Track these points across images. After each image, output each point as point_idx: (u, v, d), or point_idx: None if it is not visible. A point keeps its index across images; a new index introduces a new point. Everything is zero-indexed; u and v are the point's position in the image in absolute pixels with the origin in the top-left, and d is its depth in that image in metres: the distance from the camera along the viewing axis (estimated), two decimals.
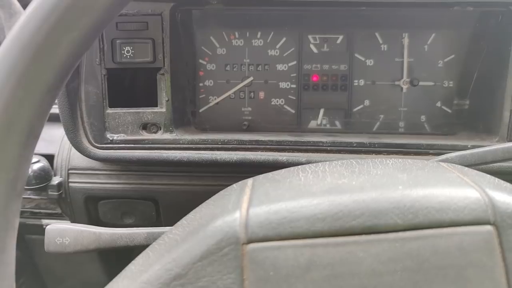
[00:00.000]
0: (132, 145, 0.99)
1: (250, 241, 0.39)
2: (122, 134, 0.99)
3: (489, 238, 0.39)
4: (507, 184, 0.46)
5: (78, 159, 1.09)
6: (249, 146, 0.98)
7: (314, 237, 0.39)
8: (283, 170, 0.54)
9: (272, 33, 1.06)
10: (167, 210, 1.10)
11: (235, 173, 0.92)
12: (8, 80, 0.36)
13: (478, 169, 0.53)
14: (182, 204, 0.89)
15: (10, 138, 0.36)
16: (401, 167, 0.51)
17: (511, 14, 0.94)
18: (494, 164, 0.82)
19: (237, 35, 1.07)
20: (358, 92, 1.08)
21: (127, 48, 0.94)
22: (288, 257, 0.38)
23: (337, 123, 1.10)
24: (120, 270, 0.45)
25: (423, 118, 1.08)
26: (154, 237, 0.62)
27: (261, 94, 1.09)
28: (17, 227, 0.39)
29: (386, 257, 0.38)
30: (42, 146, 1.12)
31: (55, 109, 0.94)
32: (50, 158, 1.12)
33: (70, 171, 1.10)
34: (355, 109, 1.09)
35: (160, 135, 1.00)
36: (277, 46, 1.07)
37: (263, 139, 0.99)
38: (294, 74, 1.08)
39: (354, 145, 0.97)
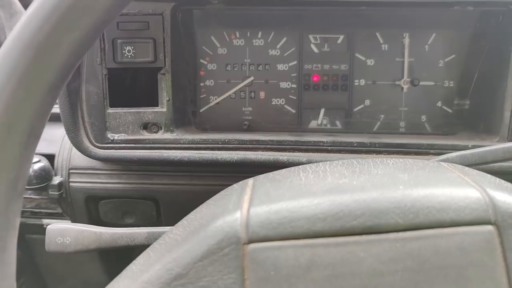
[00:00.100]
0: (133, 145, 0.99)
1: (251, 241, 0.39)
2: (123, 134, 0.99)
3: (490, 238, 0.39)
4: (508, 184, 0.46)
5: (79, 159, 1.09)
6: (250, 146, 0.98)
7: (315, 237, 0.39)
8: (283, 170, 0.54)
9: (273, 33, 1.06)
10: (167, 210, 1.10)
11: (236, 173, 0.92)
12: (9, 80, 0.36)
13: (478, 169, 0.53)
14: (182, 204, 0.89)
15: (11, 138, 0.36)
16: (402, 167, 0.51)
17: None
18: (494, 164, 0.82)
19: (238, 35, 1.07)
20: (359, 92, 1.08)
21: (128, 48, 0.94)
22: (289, 257, 0.38)
23: (337, 123, 1.10)
24: (121, 270, 0.45)
25: (423, 118, 1.08)
26: (155, 237, 0.62)
27: (262, 94, 1.09)
28: (18, 227, 0.40)
29: (387, 257, 0.38)
30: (43, 146, 1.12)
31: (56, 109, 0.94)
32: (50, 157, 1.12)
33: (70, 171, 1.10)
34: (355, 109, 1.09)
35: (161, 135, 1.00)
36: (278, 46, 1.07)
37: (263, 139, 0.99)
38: (295, 74, 1.08)
39: (355, 145, 0.97)
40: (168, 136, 0.99)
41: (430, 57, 1.05)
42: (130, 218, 1.12)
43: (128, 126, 0.99)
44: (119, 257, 1.28)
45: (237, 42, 1.07)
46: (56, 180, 1.09)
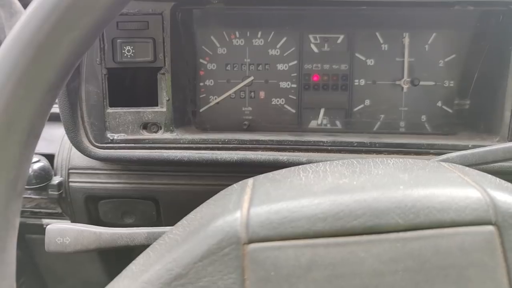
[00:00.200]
0: (133, 145, 0.99)
1: (251, 241, 0.39)
2: (123, 134, 0.99)
3: (491, 238, 0.39)
4: (508, 184, 0.46)
5: (79, 159, 1.09)
6: (250, 145, 0.98)
7: (315, 237, 0.39)
8: (283, 170, 0.54)
9: (273, 32, 1.06)
10: (167, 210, 1.10)
11: (236, 172, 0.92)
12: (9, 79, 0.36)
13: (479, 169, 0.53)
14: (182, 204, 0.89)
15: (10, 137, 0.36)
16: (402, 167, 0.51)
17: None
18: (495, 164, 0.82)
19: (237, 35, 1.07)
20: (359, 92, 1.08)
21: (128, 47, 0.94)
22: (289, 257, 0.38)
23: (337, 122, 1.10)
24: (120, 270, 0.45)
25: (423, 118, 1.08)
26: (155, 237, 0.62)
27: (262, 94, 1.09)
28: (18, 227, 0.39)
29: (387, 257, 0.38)
30: (43, 145, 1.12)
31: (55, 109, 0.94)
32: (50, 157, 1.12)
33: (70, 171, 1.10)
34: (355, 109, 1.09)
35: (161, 135, 1.00)
36: (278, 46, 1.07)
37: (263, 139, 0.99)
38: (295, 74, 1.08)
39: (355, 144, 0.97)
40: (168, 136, 0.99)
41: (430, 57, 1.05)
42: (130, 218, 1.12)
43: (128, 126, 0.99)
44: (119, 257, 1.28)
45: (237, 42, 1.07)
46: (56, 180, 1.09)
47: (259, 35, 1.07)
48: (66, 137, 1.02)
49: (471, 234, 0.39)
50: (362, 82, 1.07)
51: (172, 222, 0.52)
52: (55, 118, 0.93)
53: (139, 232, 0.64)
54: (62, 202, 1.13)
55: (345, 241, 0.39)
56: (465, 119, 1.05)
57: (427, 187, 0.42)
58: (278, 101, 1.09)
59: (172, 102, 0.99)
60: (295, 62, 1.07)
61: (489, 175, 0.49)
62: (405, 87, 1.06)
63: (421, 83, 1.05)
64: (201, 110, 1.10)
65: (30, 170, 1.06)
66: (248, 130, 1.08)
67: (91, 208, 1.12)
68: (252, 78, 1.08)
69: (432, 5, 0.97)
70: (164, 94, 0.98)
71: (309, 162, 0.94)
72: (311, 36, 1.07)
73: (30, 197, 1.14)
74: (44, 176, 1.08)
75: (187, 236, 0.43)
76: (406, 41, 1.04)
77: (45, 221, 1.17)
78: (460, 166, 0.54)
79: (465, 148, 0.93)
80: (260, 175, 0.54)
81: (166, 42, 0.96)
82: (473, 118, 1.04)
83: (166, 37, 0.95)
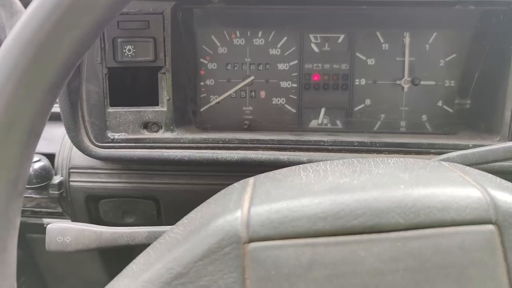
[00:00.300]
0: (133, 144, 0.99)
1: (251, 240, 0.39)
2: (123, 133, 0.99)
3: (491, 237, 0.39)
4: (509, 184, 0.46)
5: (79, 158, 1.09)
6: (250, 145, 0.98)
7: (316, 236, 0.39)
8: (284, 169, 0.54)
9: (273, 32, 1.06)
10: (168, 209, 1.10)
11: (236, 172, 0.92)
12: (9, 79, 0.36)
13: (479, 169, 0.53)
14: (183, 203, 0.89)
15: (11, 137, 0.36)
16: (403, 166, 0.51)
17: None
18: (495, 164, 0.82)
19: (238, 34, 1.07)
20: (359, 92, 1.08)
21: (128, 47, 0.94)
22: (290, 256, 0.38)
23: (338, 122, 1.10)
24: (121, 269, 0.45)
25: (424, 117, 1.08)
26: (155, 236, 0.62)
27: (262, 93, 1.09)
28: (18, 226, 0.39)
29: (388, 257, 0.38)
30: (43, 145, 1.12)
31: (56, 108, 0.94)
32: (51, 157, 1.12)
33: (71, 170, 1.10)
34: (356, 109, 1.08)
35: (161, 134, 1.00)
36: (278, 45, 1.07)
37: (264, 138, 0.99)
38: (295, 74, 1.08)
39: (355, 144, 0.97)
40: (168, 135, 0.99)
41: (431, 57, 1.05)
42: (130, 218, 1.12)
43: (129, 125, 0.99)
44: (120, 256, 1.28)
45: (238, 41, 1.07)
46: (56, 179, 1.09)
47: (259, 35, 1.07)
48: (66, 137, 1.02)
49: (471, 234, 0.39)
50: (363, 81, 1.07)
51: (172, 221, 0.53)
52: (55, 118, 0.93)
53: (139, 231, 0.64)
54: (62, 202, 1.13)
55: (346, 240, 0.39)
56: (465, 118, 1.05)
57: (428, 186, 0.42)
58: (278, 100, 1.09)
59: (173, 102, 0.99)
60: (295, 61, 1.07)
61: (490, 175, 0.49)
62: (406, 86, 1.06)
63: (422, 82, 1.05)
64: (201, 110, 1.10)
65: (31, 169, 1.06)
66: (248, 130, 1.08)
67: (91, 207, 1.12)
68: (252, 77, 1.08)
69: (433, 4, 0.97)
70: (165, 94, 0.98)
71: (309, 161, 0.93)
72: (311, 36, 1.07)
73: (31, 197, 1.14)
74: (44, 175, 1.08)
75: (187, 235, 0.43)
76: (407, 40, 1.04)
77: (45, 220, 1.17)
78: (461, 165, 0.54)
79: (466, 147, 0.92)
80: (261, 174, 0.54)
81: (166, 41, 0.96)
82: (474, 118, 1.04)
83: (166, 36, 0.95)
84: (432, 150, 0.96)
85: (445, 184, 0.43)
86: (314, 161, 0.82)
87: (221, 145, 0.98)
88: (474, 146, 0.87)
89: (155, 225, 0.66)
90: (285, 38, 1.07)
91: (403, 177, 0.45)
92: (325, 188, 0.43)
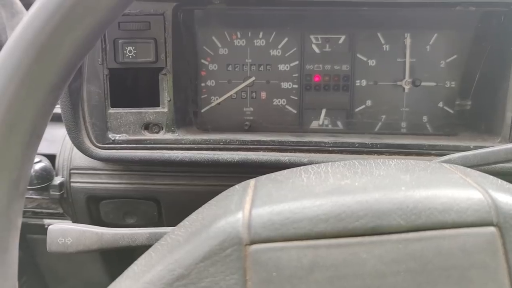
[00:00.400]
0: (134, 145, 0.99)
1: (253, 242, 0.39)
2: (124, 134, 0.99)
3: (492, 239, 0.39)
4: (510, 185, 0.45)
5: (80, 159, 1.09)
6: (251, 146, 0.98)
7: (317, 238, 0.39)
8: (285, 171, 0.54)
9: (274, 33, 1.06)
10: (169, 210, 1.10)
11: (237, 173, 0.92)
12: (11, 80, 0.36)
13: (480, 170, 0.53)
14: (184, 204, 0.89)
15: (13, 138, 0.36)
16: (404, 168, 0.51)
17: None
18: (496, 165, 0.82)
19: (239, 35, 1.07)
20: (360, 93, 1.08)
21: (129, 48, 0.94)
22: (291, 258, 0.38)
23: (339, 123, 1.10)
24: (122, 270, 0.45)
25: (425, 118, 1.08)
26: (156, 238, 0.62)
27: (263, 94, 1.09)
28: (20, 227, 0.39)
29: (389, 258, 0.38)
30: (44, 146, 1.12)
31: (57, 109, 0.93)
32: (51, 158, 1.12)
33: (71, 171, 1.10)
34: (357, 110, 1.09)
35: (162, 135, 1.00)
36: (279, 46, 1.07)
37: (265, 139, 0.99)
38: (296, 74, 1.08)
39: (356, 145, 0.97)
40: (169, 136, 0.99)
41: (431, 58, 1.05)
42: (131, 219, 1.12)
43: (129, 126, 0.99)
44: (120, 257, 1.28)
45: (238, 42, 1.07)
46: (57, 180, 1.09)
47: (260, 36, 1.07)
48: (67, 138, 1.03)
49: (472, 235, 0.39)
50: (364, 82, 1.07)
51: (173, 222, 0.53)
52: (56, 119, 0.93)
53: (141, 233, 0.64)
54: (63, 203, 1.13)
55: (347, 242, 0.39)
56: (466, 119, 1.05)
57: (429, 188, 0.42)
58: (279, 101, 1.09)
59: (174, 103, 0.99)
60: (296, 62, 1.07)
61: (491, 176, 0.49)
62: (407, 87, 1.06)
63: (423, 83, 1.05)
64: (202, 111, 1.10)
65: (32, 170, 1.06)
66: (249, 131, 1.08)
67: (92, 208, 1.12)
68: (253, 78, 1.08)
69: (434, 5, 0.97)
70: (166, 95, 0.98)
71: (310, 162, 0.94)
72: (312, 37, 1.07)
73: (32, 197, 1.14)
74: (45, 176, 1.08)
75: (189, 236, 0.43)
76: (408, 41, 1.04)
77: (46, 221, 1.18)
78: (462, 167, 0.54)
79: (467, 149, 0.93)
80: (262, 176, 0.54)
81: (167, 42, 0.96)
82: (475, 119, 1.04)
83: (167, 37, 0.96)
84: (433, 151, 0.96)
85: (446, 186, 0.43)
86: (315, 162, 0.82)
87: (222, 146, 0.98)
88: (475, 148, 0.87)
89: (156, 226, 0.66)
90: (286, 39, 1.07)
91: (404, 179, 0.45)
92: (326, 190, 0.43)
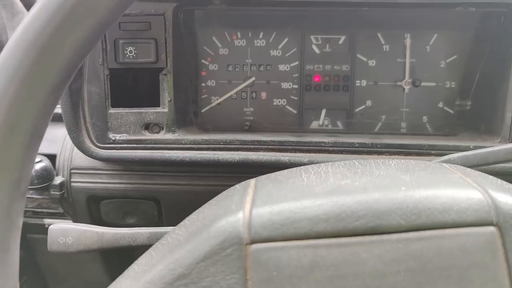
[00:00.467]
0: (135, 145, 0.99)
1: (253, 241, 0.39)
2: (125, 134, 0.99)
3: (492, 239, 0.39)
4: (510, 185, 0.46)
5: (80, 159, 1.09)
6: (251, 146, 0.99)
7: (317, 238, 0.39)
8: (285, 171, 0.54)
9: (274, 33, 1.07)
10: (169, 210, 1.10)
11: (237, 173, 0.92)
12: (12, 81, 0.36)
13: (480, 170, 0.53)
14: (184, 204, 0.89)
15: (14, 138, 0.37)
16: (404, 168, 0.51)
17: None
18: (496, 165, 0.82)
19: (239, 35, 1.07)
20: (360, 93, 1.08)
21: (130, 48, 0.94)
22: (291, 258, 0.39)
23: (339, 123, 1.10)
24: (122, 270, 0.45)
25: (425, 118, 1.08)
26: (157, 237, 0.63)
27: (263, 95, 1.09)
28: (21, 227, 0.40)
29: (389, 258, 0.38)
30: (44, 146, 1.12)
31: (57, 109, 0.93)
32: (52, 158, 1.12)
33: (72, 171, 1.10)
34: (357, 110, 1.09)
35: (162, 135, 1.00)
36: (279, 47, 1.07)
37: (265, 140, 0.99)
38: (296, 75, 1.08)
39: (356, 145, 0.97)
40: (169, 136, 0.99)
41: (431, 58, 1.05)
42: (131, 218, 1.12)
43: (130, 126, 0.99)
44: (121, 257, 1.28)
45: (239, 42, 1.07)
46: (58, 180, 1.09)
47: (260, 36, 1.07)
48: (68, 137, 1.03)
49: (472, 235, 0.39)
50: (364, 83, 1.07)
51: (173, 222, 0.53)
52: (57, 119, 0.93)
53: (141, 232, 0.64)
54: (64, 202, 1.13)
55: (347, 242, 0.39)
56: (466, 120, 1.05)
57: (429, 188, 0.42)
58: (279, 101, 1.09)
59: (174, 103, 0.99)
60: (296, 62, 1.07)
61: (491, 176, 0.49)
62: (407, 88, 1.06)
63: (423, 84, 1.05)
64: (202, 111, 1.10)
65: (32, 170, 1.06)
66: (249, 131, 1.08)
67: (92, 208, 1.12)
68: (253, 78, 1.08)
69: (434, 6, 0.97)
70: (166, 95, 0.98)
71: (310, 162, 0.94)
72: (312, 37, 1.07)
73: (32, 197, 1.14)
74: (46, 176, 1.08)
75: (189, 236, 0.43)
76: (408, 42, 1.04)
77: (47, 221, 1.18)
78: (462, 167, 0.54)
79: (467, 149, 0.93)
80: (262, 175, 0.54)
81: (168, 42, 0.96)
82: (474, 119, 1.04)
83: (168, 37, 0.96)
84: (433, 151, 0.96)
85: (446, 186, 0.43)
86: (315, 162, 0.82)
87: (222, 146, 0.99)
88: (475, 148, 0.87)
89: (156, 226, 0.66)
90: (286, 39, 1.07)
91: (404, 179, 0.45)
92: (326, 190, 0.44)
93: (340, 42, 1.06)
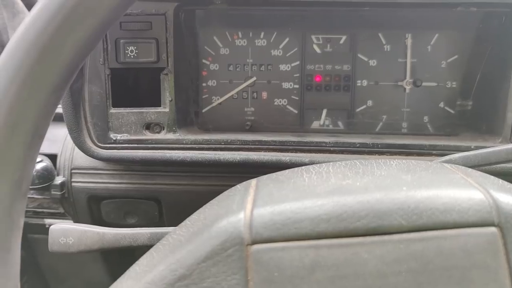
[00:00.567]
0: (135, 145, 0.99)
1: (254, 242, 0.39)
2: (125, 134, 0.99)
3: (493, 239, 0.39)
4: (511, 186, 0.46)
5: (81, 159, 1.09)
6: (252, 146, 0.98)
7: (319, 238, 0.39)
8: (287, 171, 0.54)
9: (275, 33, 1.06)
10: (170, 210, 1.10)
11: (238, 173, 0.92)
12: (13, 81, 0.36)
13: (481, 170, 0.53)
14: (185, 204, 0.89)
15: (15, 138, 0.37)
16: (405, 168, 0.51)
17: None
18: (497, 165, 0.82)
19: (240, 35, 1.07)
20: (361, 93, 1.08)
21: (131, 48, 0.94)
22: (293, 258, 0.38)
23: (339, 123, 1.10)
24: (123, 270, 0.45)
25: (426, 118, 1.08)
26: (158, 238, 0.62)
27: (264, 94, 1.09)
28: (22, 227, 0.40)
29: (390, 258, 0.38)
30: (45, 145, 1.12)
31: (58, 109, 0.94)
32: (53, 157, 1.12)
33: (73, 171, 1.10)
34: (358, 110, 1.09)
35: (163, 135, 1.00)
36: (280, 46, 1.07)
37: (266, 139, 0.99)
38: (297, 75, 1.08)
39: (357, 145, 0.97)
40: (170, 136, 0.99)
41: (432, 58, 1.05)
42: (132, 218, 1.12)
43: (131, 126, 0.99)
44: (122, 257, 1.28)
45: (240, 42, 1.07)
46: (58, 180, 1.09)
47: (261, 36, 1.07)
48: (69, 137, 1.03)
49: (474, 236, 0.39)
50: (365, 82, 1.07)
51: (174, 222, 0.53)
52: (58, 118, 0.92)
53: (142, 233, 0.64)
54: (64, 202, 1.13)
55: (348, 242, 0.39)
56: (467, 120, 1.05)
57: (430, 188, 0.42)
58: (280, 101, 1.09)
59: (175, 103, 0.99)
60: (297, 62, 1.07)
61: (492, 177, 0.49)
62: (408, 88, 1.06)
63: (424, 84, 1.05)
64: (203, 111, 1.10)
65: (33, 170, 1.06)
66: (250, 131, 1.08)
67: (93, 208, 1.12)
68: (254, 78, 1.08)
69: (435, 6, 0.97)
70: (167, 95, 0.98)
71: (311, 162, 0.94)
72: (313, 37, 1.07)
73: (33, 197, 1.14)
74: (46, 176, 1.08)
75: (190, 236, 0.43)
76: (409, 42, 1.04)
77: (47, 221, 1.18)
78: (463, 167, 0.54)
79: (468, 149, 0.93)
80: (263, 176, 0.54)
81: (169, 42, 0.96)
82: (475, 119, 1.04)
83: (169, 37, 0.96)
84: (434, 152, 0.96)
85: (448, 186, 0.43)
86: (316, 162, 0.82)
87: (223, 146, 0.99)
88: (476, 148, 0.87)
89: (157, 226, 0.66)
90: (287, 39, 1.07)
91: (405, 179, 0.45)
92: (328, 190, 0.43)
93: (341, 42, 1.06)
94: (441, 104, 1.07)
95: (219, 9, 1.01)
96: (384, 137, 1.01)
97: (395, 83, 1.06)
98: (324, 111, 1.10)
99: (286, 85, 1.08)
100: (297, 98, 1.09)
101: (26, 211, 1.14)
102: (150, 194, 1.08)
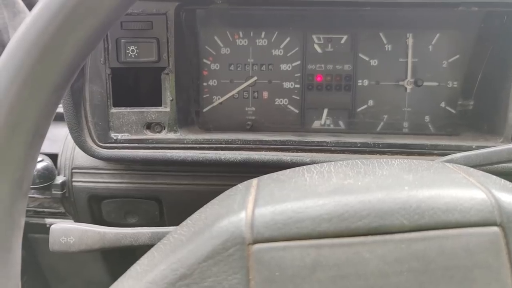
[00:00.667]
0: (136, 145, 0.99)
1: (255, 241, 0.39)
2: (126, 134, 0.99)
3: (496, 239, 0.39)
4: None
5: (82, 158, 1.09)
6: (253, 146, 0.98)
7: (320, 238, 0.39)
8: (288, 170, 0.54)
9: (276, 32, 1.06)
10: (170, 210, 1.10)
11: (239, 173, 0.92)
12: (14, 80, 0.36)
13: (483, 170, 0.53)
14: (185, 204, 0.89)
15: (16, 138, 0.36)
16: (407, 167, 0.51)
17: None
18: (499, 165, 0.82)
19: (241, 35, 1.07)
20: (362, 92, 1.08)
21: (132, 47, 0.94)
22: (294, 258, 0.38)
23: (341, 123, 1.10)
24: (124, 270, 0.45)
25: (427, 118, 1.07)
26: (159, 237, 0.62)
27: (265, 94, 1.09)
28: (23, 227, 0.40)
29: (392, 258, 0.38)
30: (46, 145, 1.12)
31: (59, 109, 0.93)
32: (53, 157, 1.12)
33: (73, 170, 1.10)
34: (359, 109, 1.08)
35: (164, 135, 1.00)
36: (281, 46, 1.07)
37: (267, 139, 0.99)
38: (298, 74, 1.08)
39: (358, 145, 0.97)
40: (171, 136, 0.99)
41: (433, 58, 1.05)
42: (132, 218, 1.12)
43: (132, 125, 0.99)
44: (122, 257, 1.28)
45: (241, 42, 1.07)
46: (59, 179, 1.09)
47: (262, 35, 1.07)
48: (69, 137, 1.03)
49: (476, 235, 0.39)
50: (366, 82, 1.07)
51: (175, 222, 0.53)
52: (58, 118, 0.93)
53: (143, 232, 0.64)
54: (65, 202, 1.13)
55: (350, 242, 0.39)
56: (468, 120, 1.05)
57: (432, 188, 0.42)
58: (281, 101, 1.09)
59: (176, 102, 0.99)
60: (298, 62, 1.07)
61: (494, 176, 0.49)
62: (409, 87, 1.06)
63: (425, 83, 1.05)
64: (204, 110, 1.10)
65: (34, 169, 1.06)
66: (251, 130, 1.08)
67: (94, 207, 1.12)
68: (255, 78, 1.08)
69: (436, 6, 0.97)
70: (168, 94, 0.98)
71: (312, 162, 0.93)
72: (314, 37, 1.07)
73: (34, 197, 1.14)
74: (47, 175, 1.08)
75: (191, 236, 0.43)
76: (410, 41, 1.04)
77: (48, 220, 1.18)
78: (465, 167, 0.53)
79: (469, 149, 0.92)
80: (265, 175, 0.54)
81: (170, 42, 0.96)
82: (477, 119, 1.04)
83: (170, 37, 0.96)
84: (435, 151, 0.96)
85: (449, 186, 0.43)
86: (317, 162, 0.82)
87: (224, 145, 0.99)
88: (477, 147, 0.87)
89: (158, 226, 0.66)
90: (288, 39, 1.07)
91: (407, 179, 0.45)
92: (329, 190, 0.43)
93: (342, 41, 1.06)
94: (443, 104, 1.07)
95: (220, 9, 1.01)
96: (385, 137, 1.01)
97: (396, 83, 1.06)
98: (325, 111, 1.09)
99: (287, 84, 1.08)
100: (298, 98, 1.09)
101: (27, 211, 1.14)
102: (151, 193, 1.08)
